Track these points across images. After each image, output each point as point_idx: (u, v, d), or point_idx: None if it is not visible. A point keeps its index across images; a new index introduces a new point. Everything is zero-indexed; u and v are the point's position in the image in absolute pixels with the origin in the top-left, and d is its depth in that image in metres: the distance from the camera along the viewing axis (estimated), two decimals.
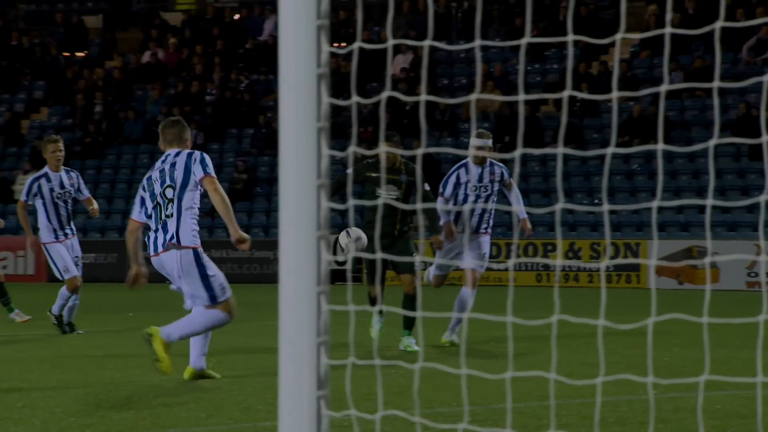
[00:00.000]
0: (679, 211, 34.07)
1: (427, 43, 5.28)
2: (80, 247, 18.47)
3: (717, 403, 10.08)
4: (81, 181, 18.47)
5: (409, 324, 14.22)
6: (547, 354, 13.36)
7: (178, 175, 12.25)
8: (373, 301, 14.48)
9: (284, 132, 4.81)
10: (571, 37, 5.27)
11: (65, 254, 18.01)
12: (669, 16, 5.31)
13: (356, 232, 14.78)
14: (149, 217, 12.24)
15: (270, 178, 39.71)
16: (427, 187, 15.72)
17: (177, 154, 12.39)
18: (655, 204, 5.32)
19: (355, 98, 5.08)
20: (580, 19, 38.85)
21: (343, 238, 15.01)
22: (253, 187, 40.27)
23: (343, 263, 32.65)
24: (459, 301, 14.88)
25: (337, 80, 36.88)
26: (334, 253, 20.28)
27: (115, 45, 47.05)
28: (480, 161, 15.60)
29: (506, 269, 31.81)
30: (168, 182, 12.23)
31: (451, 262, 15.83)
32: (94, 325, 19.52)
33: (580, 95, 5.60)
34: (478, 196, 15.61)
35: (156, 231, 12.17)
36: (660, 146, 5.13)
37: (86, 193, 18.46)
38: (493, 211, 15.81)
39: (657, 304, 5.49)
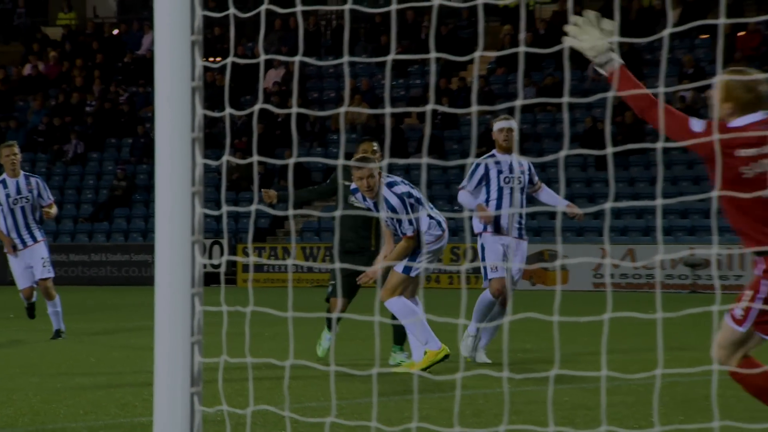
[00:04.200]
0: (533, 217, 34.37)
1: (297, 58, 5.24)
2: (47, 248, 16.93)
3: (565, 395, 10.16)
4: (42, 186, 16.77)
5: (399, 339, 12.74)
6: (410, 351, 13.37)
7: None
8: (329, 319, 12.70)
9: (160, 142, 4.75)
10: (432, 55, 5.26)
11: (16, 267, 16.66)
12: (522, 35, 5.32)
13: None
14: None
15: (148, 186, 39.37)
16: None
17: None
18: (512, 211, 5.34)
19: (228, 110, 5.02)
20: (440, 37, 39.05)
21: None
22: (132, 194, 39.97)
23: (218, 266, 32.42)
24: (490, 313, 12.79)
25: (211, 93, 36.70)
26: None
27: None
28: (507, 148, 12.96)
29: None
30: None
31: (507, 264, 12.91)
32: None
33: (441, 109, 5.59)
34: (512, 189, 12.92)
35: None
36: (515, 157, 5.15)
37: (48, 198, 16.81)
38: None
39: (513, 303, 5.53)
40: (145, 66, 42.01)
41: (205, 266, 4.92)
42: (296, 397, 9.90)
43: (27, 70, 44.54)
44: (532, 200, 13.51)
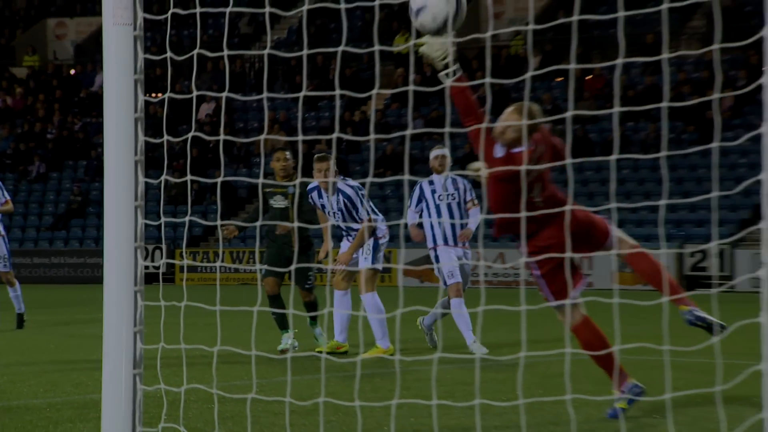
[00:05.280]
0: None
1: (225, 94, 5.21)
2: (6, 247, 16.30)
3: (447, 374, 10.19)
4: None
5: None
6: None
7: None
8: (281, 321, 12.46)
9: (108, 163, 4.71)
10: (337, 92, 5.25)
11: None
12: (412, 77, 5.33)
13: None
14: None
15: (99, 200, 38.87)
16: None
17: None
18: (403, 222, 5.35)
19: (166, 137, 4.98)
20: (345, 77, 39.11)
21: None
22: (86, 207, 39.64)
23: (158, 267, 32.17)
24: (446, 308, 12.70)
25: (153, 123, 36.49)
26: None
27: None
28: (440, 171, 12.68)
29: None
30: None
31: (461, 262, 12.73)
32: None
33: (345, 137, 5.59)
34: (449, 205, 12.78)
35: None
36: (406, 177, 5.15)
37: (3, 197, 15.98)
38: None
39: (404, 298, 5.53)
40: (97, 100, 41.62)
41: (146, 267, 4.87)
42: (223, 377, 9.84)
43: None
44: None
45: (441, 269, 12.61)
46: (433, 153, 12.85)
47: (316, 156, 11.84)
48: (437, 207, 12.78)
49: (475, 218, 12.86)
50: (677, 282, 7.00)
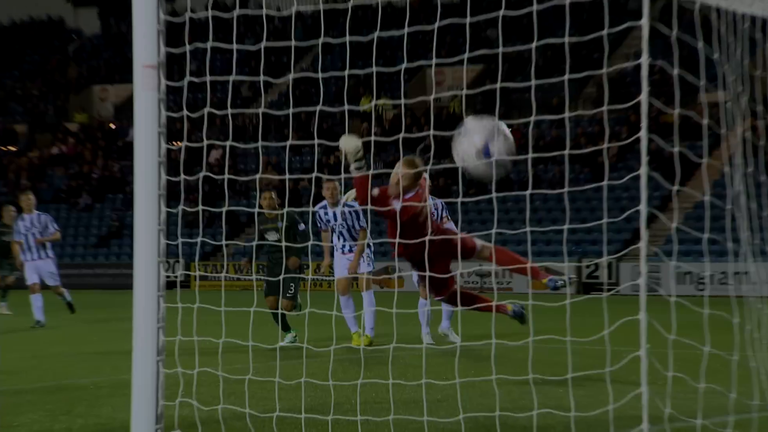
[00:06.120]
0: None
1: (229, 143, 5.16)
2: (56, 265, 16.28)
3: (401, 358, 10.10)
4: (49, 220, 16.23)
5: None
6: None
7: None
8: (283, 323, 12.14)
9: (138, 197, 4.67)
10: (316, 141, 5.22)
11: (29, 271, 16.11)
12: (374, 129, 5.35)
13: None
14: None
15: (132, 225, 38.38)
16: (301, 227, 12.30)
17: None
18: (368, 230, 5.31)
19: (182, 176, 4.95)
20: (322, 130, 39.07)
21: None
22: (122, 230, 39.44)
23: (177, 277, 31.90)
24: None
25: (173, 165, 36.18)
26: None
27: (35, 142, 45.60)
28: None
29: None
30: None
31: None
32: None
33: (324, 176, 5.54)
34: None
35: None
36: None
37: (53, 228, 16.25)
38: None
39: (374, 300, 5.54)
40: (131, 148, 41.42)
41: (167, 277, 4.82)
42: (228, 362, 9.73)
43: (54, 150, 43.86)
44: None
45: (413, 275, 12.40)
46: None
47: (325, 179, 11.64)
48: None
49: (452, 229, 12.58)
50: (533, 264, 7.06)
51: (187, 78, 5.02)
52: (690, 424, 5.51)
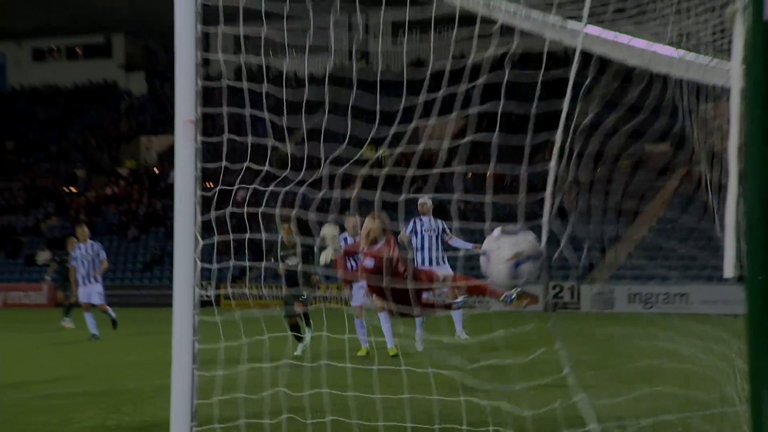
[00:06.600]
0: None
1: (253, 186, 5.22)
2: (102, 286, 16.23)
3: (367, 373, 10.02)
4: (100, 248, 16.25)
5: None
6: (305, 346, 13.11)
7: None
8: (296, 334, 11.99)
9: (177, 230, 4.73)
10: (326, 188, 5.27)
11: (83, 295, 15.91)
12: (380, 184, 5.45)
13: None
14: None
15: (172, 253, 38.44)
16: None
17: None
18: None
19: (213, 213, 5.01)
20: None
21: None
22: (164, 257, 39.43)
23: (209, 296, 31.80)
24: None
25: (206, 204, 36.31)
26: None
27: (92, 184, 46.03)
28: (425, 213, 12.28)
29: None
30: None
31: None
32: None
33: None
34: (429, 237, 12.21)
35: None
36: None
37: (102, 256, 16.23)
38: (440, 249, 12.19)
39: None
40: (172, 190, 41.51)
41: (201, 296, 4.87)
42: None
43: (108, 191, 44.18)
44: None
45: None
46: (420, 201, 12.37)
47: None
48: (421, 237, 12.29)
49: (460, 242, 12.34)
50: (489, 287, 6.94)
51: (227, 135, 5.18)
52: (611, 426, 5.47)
